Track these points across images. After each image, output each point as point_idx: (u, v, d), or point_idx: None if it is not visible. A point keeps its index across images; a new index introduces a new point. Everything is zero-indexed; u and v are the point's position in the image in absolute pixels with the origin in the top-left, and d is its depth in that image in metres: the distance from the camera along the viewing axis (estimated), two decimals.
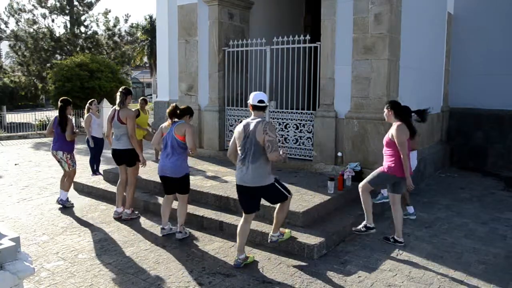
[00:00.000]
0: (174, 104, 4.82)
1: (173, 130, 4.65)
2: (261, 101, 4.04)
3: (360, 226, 4.74)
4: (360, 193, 4.66)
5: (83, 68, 16.68)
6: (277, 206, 4.34)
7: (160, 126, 4.88)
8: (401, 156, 4.36)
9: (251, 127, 3.97)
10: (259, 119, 3.99)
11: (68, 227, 5.25)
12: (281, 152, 4.00)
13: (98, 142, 7.94)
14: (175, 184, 4.77)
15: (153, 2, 15.30)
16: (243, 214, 4.19)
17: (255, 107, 4.05)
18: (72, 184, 6.39)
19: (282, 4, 10.07)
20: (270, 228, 4.60)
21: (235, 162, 4.23)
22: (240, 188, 4.11)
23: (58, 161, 6.14)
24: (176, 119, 4.73)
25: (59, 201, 6.13)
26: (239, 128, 4.09)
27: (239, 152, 4.09)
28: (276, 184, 4.14)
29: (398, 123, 4.43)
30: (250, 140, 3.95)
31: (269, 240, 4.47)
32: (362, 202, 4.68)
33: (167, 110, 4.76)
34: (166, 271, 4.01)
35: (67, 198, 6.16)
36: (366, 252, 4.48)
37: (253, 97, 4.07)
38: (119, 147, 5.50)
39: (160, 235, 4.91)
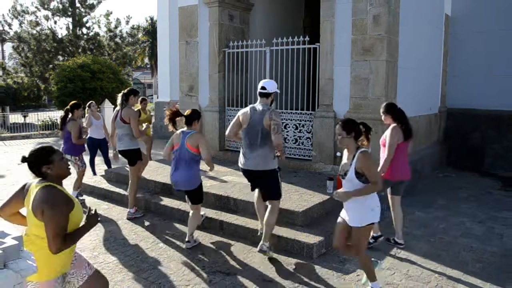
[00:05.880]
0: (173, 109, 4.50)
1: (185, 142, 4.34)
2: (263, 88, 4.17)
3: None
4: None
5: (85, 69, 16.74)
6: (266, 214, 4.25)
7: (171, 138, 4.53)
8: (384, 156, 4.35)
9: (257, 114, 4.08)
10: (265, 107, 4.11)
11: None
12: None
13: (95, 143, 7.79)
14: (189, 194, 4.62)
15: (154, 4, 15.35)
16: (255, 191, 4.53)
17: (259, 94, 4.20)
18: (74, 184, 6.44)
19: (282, 6, 10.12)
20: None
21: (234, 139, 4.43)
22: (245, 171, 4.31)
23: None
24: (185, 128, 4.44)
25: None
26: (246, 112, 4.18)
27: (243, 136, 4.20)
28: (278, 174, 4.26)
29: (394, 125, 4.42)
30: (255, 126, 4.07)
31: (258, 248, 4.21)
32: None
33: (166, 114, 4.44)
34: (166, 270, 4.07)
35: (77, 196, 6.19)
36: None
37: (260, 84, 4.23)
38: (121, 147, 5.55)
39: (184, 247, 4.60)
